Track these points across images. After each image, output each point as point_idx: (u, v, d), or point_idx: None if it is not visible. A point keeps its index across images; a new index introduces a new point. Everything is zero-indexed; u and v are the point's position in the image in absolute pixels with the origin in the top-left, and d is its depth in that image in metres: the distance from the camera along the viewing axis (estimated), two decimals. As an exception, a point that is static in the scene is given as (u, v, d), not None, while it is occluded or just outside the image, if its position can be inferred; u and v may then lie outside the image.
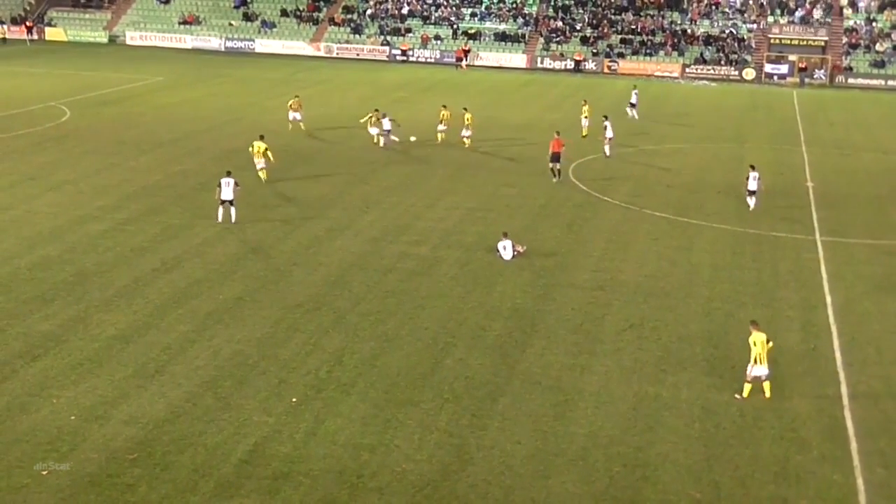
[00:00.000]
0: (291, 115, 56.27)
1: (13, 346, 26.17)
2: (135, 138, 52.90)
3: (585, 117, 57.46)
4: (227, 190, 37.53)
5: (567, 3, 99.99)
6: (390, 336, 27.81)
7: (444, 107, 55.17)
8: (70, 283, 30.96)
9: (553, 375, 25.63)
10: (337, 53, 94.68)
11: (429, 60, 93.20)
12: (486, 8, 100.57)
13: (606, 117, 52.85)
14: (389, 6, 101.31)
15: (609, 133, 51.58)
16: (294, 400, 23.73)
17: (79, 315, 28.44)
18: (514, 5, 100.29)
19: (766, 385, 24.52)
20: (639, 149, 55.39)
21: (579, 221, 40.08)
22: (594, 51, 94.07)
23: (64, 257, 33.39)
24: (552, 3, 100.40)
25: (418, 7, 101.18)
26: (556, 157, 46.38)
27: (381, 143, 52.79)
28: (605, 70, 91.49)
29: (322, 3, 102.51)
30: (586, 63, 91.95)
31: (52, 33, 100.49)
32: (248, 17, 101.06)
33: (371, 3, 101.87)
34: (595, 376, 25.71)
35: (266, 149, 43.81)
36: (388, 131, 53.11)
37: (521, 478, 20.77)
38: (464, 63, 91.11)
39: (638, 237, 38.25)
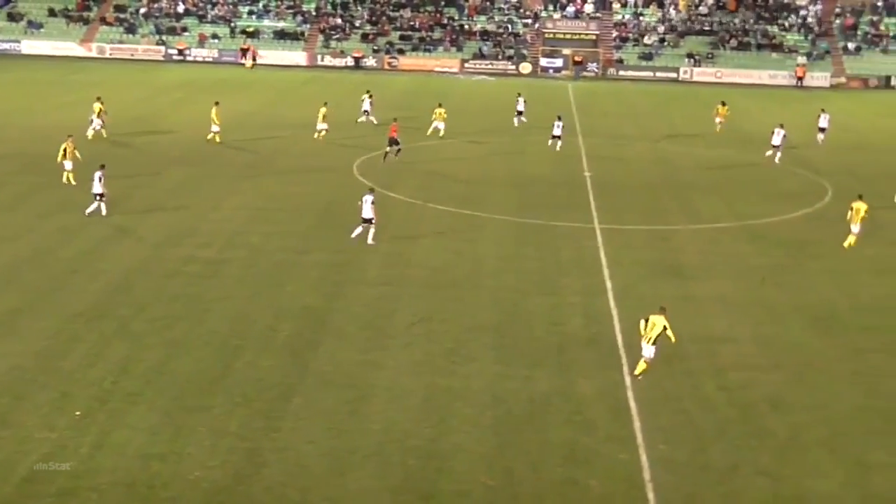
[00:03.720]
0: (95, 121, 53.58)
1: None
2: None
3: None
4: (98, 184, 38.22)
5: (345, 0, 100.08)
6: (178, 342, 27.17)
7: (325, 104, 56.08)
8: None
9: (345, 373, 25.59)
10: (110, 54, 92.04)
11: (207, 59, 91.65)
12: (264, 6, 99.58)
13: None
14: (164, 5, 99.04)
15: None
16: (78, 413, 22.85)
17: None
18: (293, 2, 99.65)
19: (642, 365, 25.53)
20: (422, 144, 55.93)
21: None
22: (375, 47, 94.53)
23: None
24: (330, 0, 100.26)
25: (194, 6, 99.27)
26: (393, 142, 50.26)
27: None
28: (386, 66, 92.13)
29: (92, 3, 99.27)
30: (367, 60, 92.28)
31: None
32: (12, 18, 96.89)
33: (144, 1, 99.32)
34: (387, 371, 25.81)
35: (74, 148, 42.81)
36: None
37: (317, 477, 20.65)
38: (248, 61, 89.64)
39: (424, 231, 38.63)
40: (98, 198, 38.38)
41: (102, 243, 35.47)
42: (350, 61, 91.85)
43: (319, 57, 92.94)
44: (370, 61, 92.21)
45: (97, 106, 54.36)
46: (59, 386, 24.18)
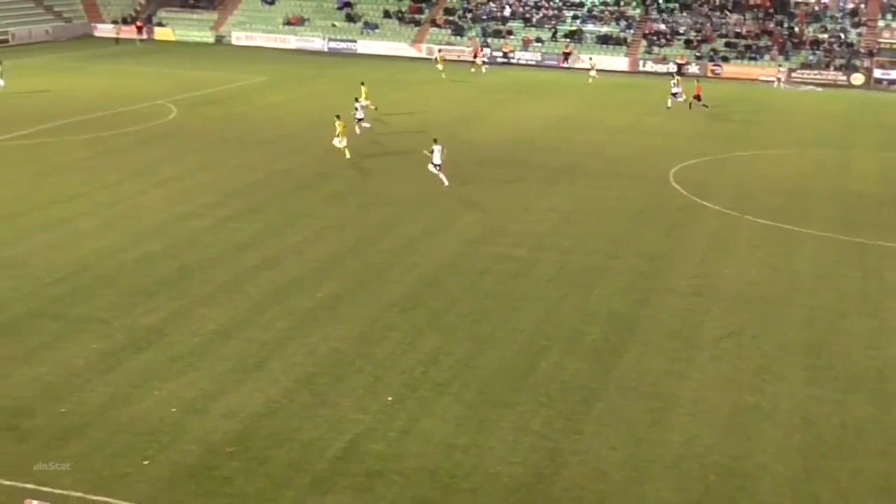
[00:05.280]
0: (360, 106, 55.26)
1: (117, 339, 26.79)
2: (237, 137, 53.76)
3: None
4: (438, 155, 43.67)
5: (671, 6, 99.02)
6: (486, 337, 27.83)
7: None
8: (173, 278, 31.58)
9: (649, 382, 25.40)
10: (437, 55, 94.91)
11: (529, 63, 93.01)
12: (588, 10, 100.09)
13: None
14: (493, 7, 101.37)
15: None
16: (389, 398, 23.88)
17: (181, 309, 29.00)
18: (617, 7, 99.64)
19: None
20: (740, 154, 54.62)
21: (678, 226, 39.66)
22: (697, 54, 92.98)
23: (168, 252, 34.07)
24: (655, 6, 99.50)
25: (520, 9, 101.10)
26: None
27: (357, 131, 53.74)
28: (709, 73, 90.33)
29: (424, 5, 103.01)
30: (689, 66, 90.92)
31: (160, 33, 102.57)
32: (351, 19, 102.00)
33: (472, 5, 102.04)
34: (692, 383, 25.41)
35: (344, 125, 48.50)
36: (360, 119, 54.71)
37: (615, 483, 20.62)
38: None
39: (738, 243, 37.71)
40: (437, 168, 43.68)
41: (417, 238, 36.78)
42: (672, 67, 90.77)
43: (641, 62, 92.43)
44: (693, 68, 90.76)
45: (364, 89, 58.52)
46: (374, 371, 25.34)
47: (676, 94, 67.58)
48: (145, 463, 20.62)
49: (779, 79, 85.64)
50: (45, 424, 22.06)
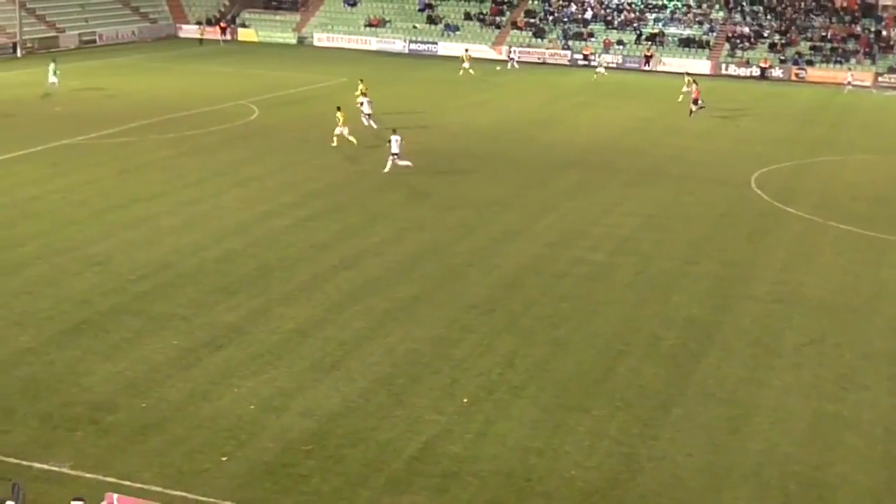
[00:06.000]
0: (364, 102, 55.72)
1: (198, 336, 27.15)
2: (318, 137, 54.10)
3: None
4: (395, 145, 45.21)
5: (755, 8, 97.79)
6: (563, 341, 27.73)
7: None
8: (253, 277, 31.93)
9: (728, 388, 25.10)
10: (518, 57, 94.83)
11: (610, 65, 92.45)
12: (671, 13, 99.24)
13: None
14: (573, 10, 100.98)
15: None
16: (465, 400, 23.90)
17: (261, 308, 29.31)
18: (700, 10, 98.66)
19: None
20: (823, 159, 53.77)
21: (760, 232, 39.15)
22: (781, 58, 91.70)
23: (248, 251, 34.46)
24: (739, 9, 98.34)
25: (601, 11, 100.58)
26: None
27: (365, 124, 54.49)
28: (793, 77, 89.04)
29: (505, 8, 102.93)
30: (773, 70, 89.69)
31: (244, 34, 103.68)
32: (431, 20, 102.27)
33: (554, 7, 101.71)
34: (772, 391, 25.07)
35: (346, 116, 50.74)
36: (369, 115, 55.02)
37: (692, 491, 20.41)
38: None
39: (821, 250, 37.12)
40: (393, 157, 45.16)
41: (496, 240, 36.76)
42: (755, 71, 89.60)
43: (724, 66, 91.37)
44: (776, 72, 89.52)
45: (361, 87, 58.75)
46: (451, 372, 25.38)
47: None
48: (223, 459, 20.87)
49: (849, 83, 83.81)
50: (127, 419, 22.44)
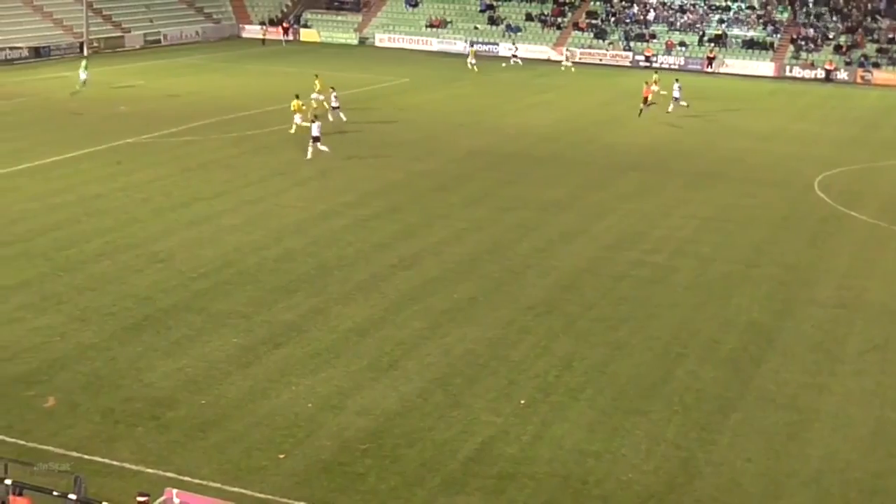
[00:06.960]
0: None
1: (258, 333, 27.38)
2: (378, 137, 54.36)
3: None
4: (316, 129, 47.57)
5: (820, 10, 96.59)
6: (621, 343, 27.59)
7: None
8: (312, 276, 32.13)
9: (788, 394, 24.83)
10: (579, 58, 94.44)
11: (672, 66, 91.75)
12: (735, 14, 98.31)
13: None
14: (635, 10, 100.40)
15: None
16: (522, 402, 23.86)
17: (319, 307, 29.48)
18: (764, 12, 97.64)
19: None
20: (889, 163, 52.99)
21: (822, 236, 38.70)
22: (847, 60, 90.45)
23: (307, 250, 34.68)
24: (804, 10, 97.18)
25: (664, 13, 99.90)
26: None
27: (330, 118, 55.51)
28: (859, 80, 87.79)
29: (566, 9, 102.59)
30: (838, 73, 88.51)
31: (306, 34, 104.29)
32: (493, 21, 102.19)
33: (616, 8, 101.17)
34: (833, 397, 24.75)
35: (301, 104, 52.92)
36: (337, 108, 56.77)
37: (751, 496, 20.22)
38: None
39: (886, 255, 36.59)
40: (314, 140, 47.33)
41: (554, 242, 36.67)
42: (820, 73, 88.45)
43: (788, 68, 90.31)
44: (842, 74, 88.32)
45: (317, 83, 59.87)
46: (507, 374, 25.35)
47: (678, 98, 63.94)
48: (281, 457, 21.01)
49: None
50: (186, 415, 22.69)
